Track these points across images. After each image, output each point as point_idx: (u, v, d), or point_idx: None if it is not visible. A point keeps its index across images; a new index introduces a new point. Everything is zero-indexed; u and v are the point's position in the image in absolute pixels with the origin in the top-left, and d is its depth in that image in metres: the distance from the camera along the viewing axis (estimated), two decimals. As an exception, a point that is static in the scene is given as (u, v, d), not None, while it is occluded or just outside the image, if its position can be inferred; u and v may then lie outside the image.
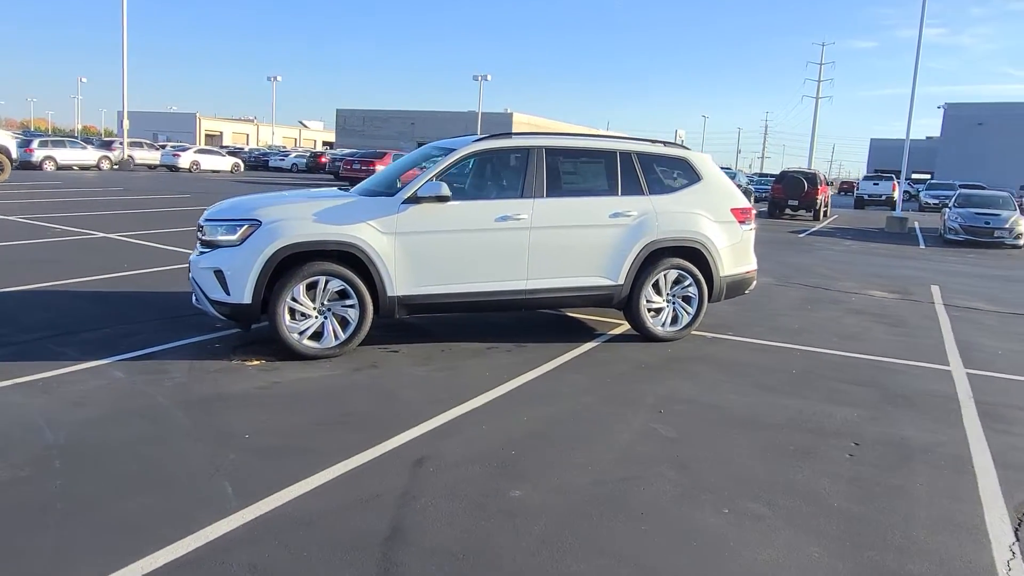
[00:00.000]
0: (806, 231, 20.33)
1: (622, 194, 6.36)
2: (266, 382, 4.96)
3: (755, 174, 53.84)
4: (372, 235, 5.54)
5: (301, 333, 5.50)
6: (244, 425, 4.15)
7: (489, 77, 58.16)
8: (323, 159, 45.41)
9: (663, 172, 6.61)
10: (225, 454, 3.72)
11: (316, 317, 5.53)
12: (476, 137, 6.25)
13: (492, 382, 5.12)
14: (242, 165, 38.17)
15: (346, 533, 2.98)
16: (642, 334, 6.55)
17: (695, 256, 6.54)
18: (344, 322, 5.61)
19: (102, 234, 11.62)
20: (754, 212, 7.06)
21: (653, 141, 6.79)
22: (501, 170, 6.24)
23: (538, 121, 75.16)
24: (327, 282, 5.49)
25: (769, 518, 3.29)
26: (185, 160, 35.72)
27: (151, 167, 37.20)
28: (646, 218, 6.32)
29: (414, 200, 5.67)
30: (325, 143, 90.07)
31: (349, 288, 5.52)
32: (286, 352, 5.46)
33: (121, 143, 36.04)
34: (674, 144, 6.90)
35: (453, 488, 3.44)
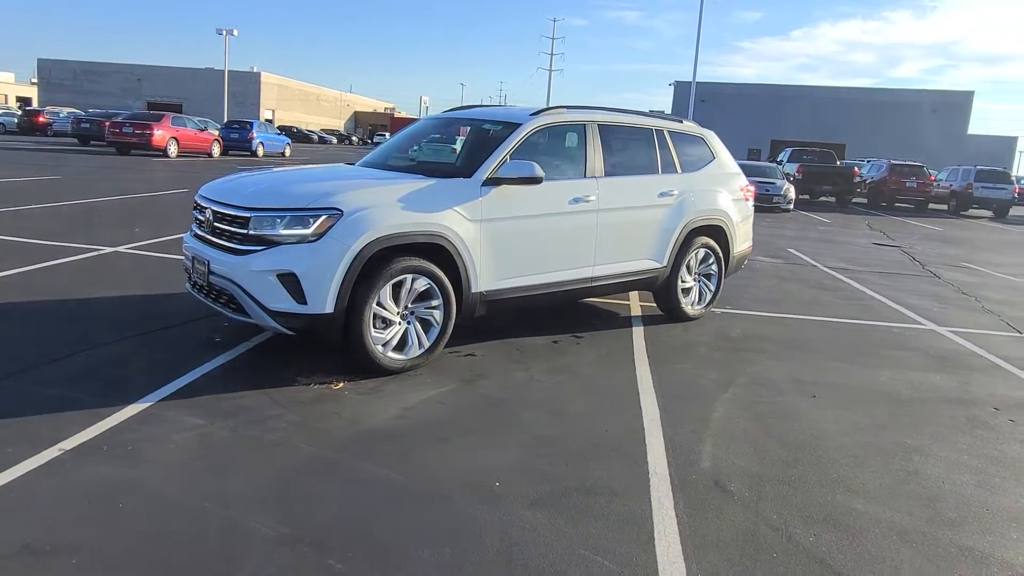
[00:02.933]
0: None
1: (662, 172, 6.19)
2: (394, 410, 4.05)
3: None
4: (460, 223, 4.76)
5: (385, 344, 4.58)
6: (462, 470, 3.34)
7: (236, 32, 52.97)
8: (41, 118, 38.18)
9: (688, 150, 6.53)
10: (516, 515, 2.96)
11: (400, 323, 4.64)
12: (532, 110, 5.61)
13: (622, 382, 4.73)
14: (-65, 125, 30.61)
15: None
16: (672, 315, 6.48)
17: (718, 234, 6.61)
18: (426, 326, 4.78)
19: None
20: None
21: (669, 118, 6.68)
22: (560, 148, 5.68)
23: (287, 82, 70.66)
24: (413, 281, 4.62)
25: (1072, 494, 3.47)
26: None
27: None
28: (685, 197, 6.22)
29: (494, 182, 4.96)
30: (20, 98, 75.78)
31: (434, 286, 4.70)
32: (365, 367, 4.52)
33: None
34: (689, 122, 6.84)
35: (804, 513, 3.11)
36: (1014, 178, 28.13)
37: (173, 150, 23.19)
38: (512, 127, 5.32)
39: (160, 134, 22.45)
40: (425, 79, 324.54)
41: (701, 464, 3.55)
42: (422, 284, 4.65)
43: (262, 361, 4.72)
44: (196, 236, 4.94)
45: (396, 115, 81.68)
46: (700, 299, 6.64)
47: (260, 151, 28.57)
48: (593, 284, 5.69)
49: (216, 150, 25.74)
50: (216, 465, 3.26)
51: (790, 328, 6.59)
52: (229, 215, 4.53)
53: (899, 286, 9.31)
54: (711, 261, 6.60)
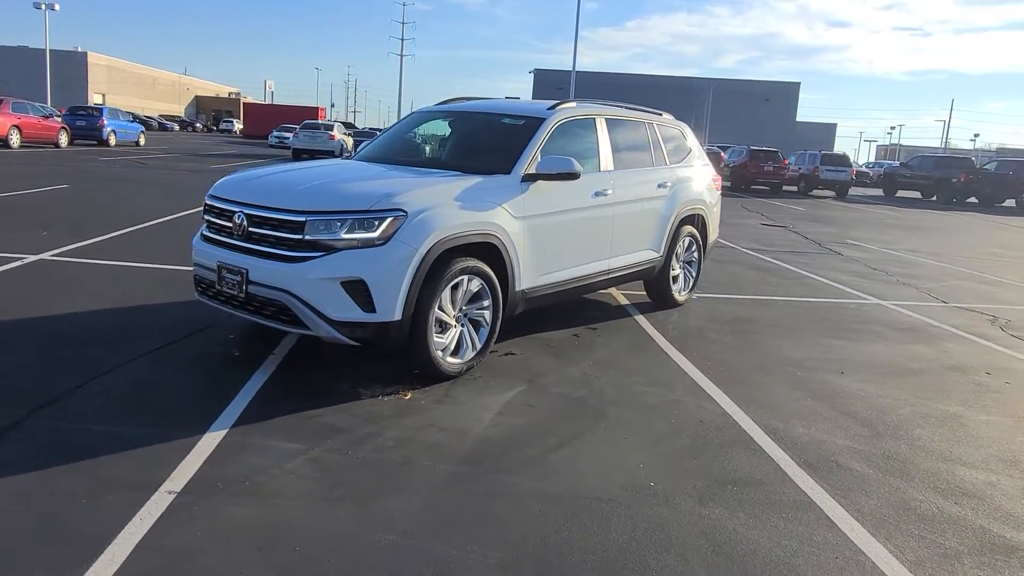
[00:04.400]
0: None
1: (655, 165, 6.36)
2: (488, 417, 3.92)
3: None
4: (508, 221, 4.66)
5: (444, 349, 4.42)
6: (606, 473, 3.31)
7: (57, 7, 47.69)
8: None
9: (671, 142, 6.75)
10: (698, 513, 2.98)
11: (455, 326, 4.49)
12: (547, 104, 5.56)
13: (670, 371, 4.88)
14: None
15: None
16: (662, 302, 6.69)
17: (699, 222, 6.90)
18: (475, 328, 4.66)
19: None
20: None
21: (652, 112, 6.84)
22: (577, 142, 5.63)
23: (118, 63, 64.77)
24: (468, 282, 4.48)
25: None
26: None
27: None
28: (675, 188, 6.43)
29: (531, 178, 4.90)
30: None
31: (485, 287, 4.58)
32: (423, 374, 4.35)
33: None
34: (667, 115, 7.03)
35: (930, 483, 3.36)
36: (852, 161, 31.27)
37: (15, 140, 20.55)
38: (537, 121, 5.26)
39: (0, 122, 19.84)
40: (269, 63, 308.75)
41: (808, 446, 3.74)
42: (475, 285, 4.52)
43: (305, 375, 4.40)
44: (215, 241, 4.50)
45: (246, 100, 76.56)
46: (685, 285, 6.91)
47: (112, 140, 26.01)
48: (609, 276, 5.77)
49: (64, 139, 23.13)
50: (358, 493, 3.02)
51: (766, 309, 7.01)
52: (273, 219, 4.15)
53: (816, 264, 10.14)
54: (693, 248, 6.89)
